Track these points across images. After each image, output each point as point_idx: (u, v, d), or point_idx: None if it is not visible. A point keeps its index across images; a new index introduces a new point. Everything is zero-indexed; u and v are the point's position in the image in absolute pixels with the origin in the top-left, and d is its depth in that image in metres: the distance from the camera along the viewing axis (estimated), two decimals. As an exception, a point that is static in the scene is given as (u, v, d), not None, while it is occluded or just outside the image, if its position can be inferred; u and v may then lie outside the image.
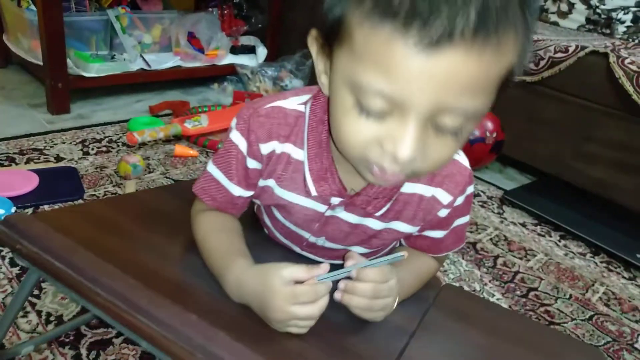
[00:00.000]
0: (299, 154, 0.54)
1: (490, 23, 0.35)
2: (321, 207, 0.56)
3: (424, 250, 0.63)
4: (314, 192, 0.54)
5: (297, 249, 0.65)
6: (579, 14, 1.97)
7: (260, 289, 0.47)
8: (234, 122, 0.55)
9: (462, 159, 0.57)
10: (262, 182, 0.58)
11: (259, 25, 2.34)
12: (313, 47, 0.47)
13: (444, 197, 0.56)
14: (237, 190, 0.57)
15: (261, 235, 0.69)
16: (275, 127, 0.53)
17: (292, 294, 0.45)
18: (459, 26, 0.34)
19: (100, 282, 0.50)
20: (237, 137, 0.54)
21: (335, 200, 0.55)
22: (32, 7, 1.69)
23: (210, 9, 2.26)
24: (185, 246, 0.60)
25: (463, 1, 0.34)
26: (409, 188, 0.54)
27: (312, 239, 0.61)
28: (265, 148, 0.54)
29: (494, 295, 1.11)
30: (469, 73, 0.37)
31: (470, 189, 0.58)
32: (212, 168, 0.58)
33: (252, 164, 0.55)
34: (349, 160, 0.47)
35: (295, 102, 0.54)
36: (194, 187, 0.59)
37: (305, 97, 0.54)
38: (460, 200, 0.57)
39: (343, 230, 0.58)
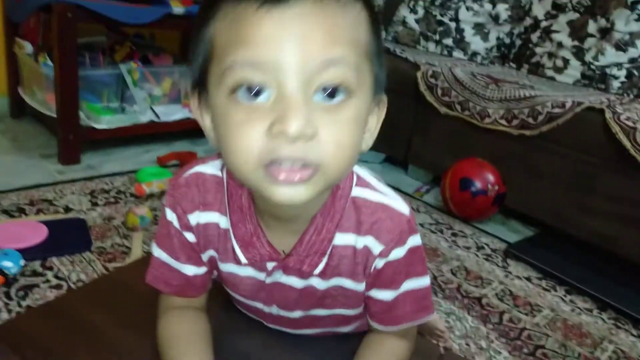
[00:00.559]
0: (224, 221, 0.52)
1: None
2: (260, 275, 0.54)
3: (379, 321, 0.55)
4: (243, 260, 0.52)
5: (265, 323, 0.63)
6: (574, 70, 2.04)
7: None
8: (163, 199, 0.54)
9: (398, 204, 0.51)
10: (204, 256, 0.55)
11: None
12: (195, 106, 0.47)
13: (375, 246, 0.50)
14: (189, 269, 0.54)
15: (235, 316, 0.64)
16: (197, 196, 0.51)
17: None
18: None
19: None
20: (168, 214, 0.53)
21: (270, 265, 0.52)
22: (49, 62, 1.76)
23: (218, 63, 2.35)
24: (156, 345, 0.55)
25: None
26: (339, 240, 0.50)
27: (266, 309, 0.58)
28: (192, 219, 0.52)
29: (500, 353, 1.10)
30: (326, 20, 0.39)
31: (413, 241, 0.52)
32: (157, 252, 0.55)
33: (190, 237, 0.53)
34: (255, 189, 0.43)
35: (215, 167, 0.52)
36: (147, 277, 0.55)
37: (221, 161, 0.52)
38: (399, 252, 0.51)
39: (290, 296, 0.55)
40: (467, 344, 1.11)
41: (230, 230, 0.52)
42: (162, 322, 0.55)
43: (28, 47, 1.87)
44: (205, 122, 0.46)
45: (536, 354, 1.12)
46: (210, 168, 0.52)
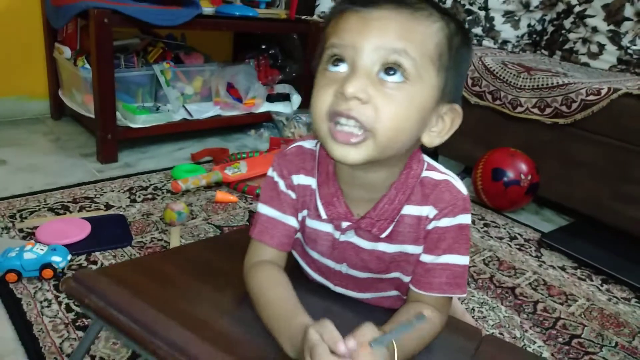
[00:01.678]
0: (313, 182, 0.63)
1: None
2: (335, 233, 0.63)
3: (415, 283, 0.62)
4: (324, 215, 0.62)
5: (331, 285, 0.70)
6: (610, 55, 1.99)
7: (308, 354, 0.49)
8: (269, 169, 0.66)
9: (458, 184, 0.61)
10: (300, 215, 0.65)
11: (293, 74, 2.45)
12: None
13: (432, 211, 0.60)
14: (292, 221, 0.65)
15: (301, 282, 0.70)
16: (298, 162, 0.64)
17: None
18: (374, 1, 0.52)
19: (159, 335, 0.54)
20: (275, 177, 0.65)
21: (345, 224, 0.61)
22: (87, 65, 1.84)
23: (247, 60, 2.39)
24: (234, 298, 0.65)
25: None
26: (407, 210, 0.60)
27: (337, 267, 0.66)
28: (295, 179, 0.64)
29: (535, 343, 1.10)
30: (397, 24, 0.51)
31: (463, 218, 0.60)
32: (264, 209, 0.65)
33: (291, 194, 0.64)
34: (321, 139, 0.55)
35: (312, 143, 0.65)
36: (252, 233, 0.66)
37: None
38: (447, 221, 0.59)
39: (360, 257, 0.63)
40: (501, 334, 1.11)
41: (316, 190, 0.63)
42: (252, 273, 0.64)
43: (67, 52, 1.95)
44: None
45: (572, 343, 1.11)
46: (308, 143, 0.66)
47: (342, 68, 0.52)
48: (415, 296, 0.62)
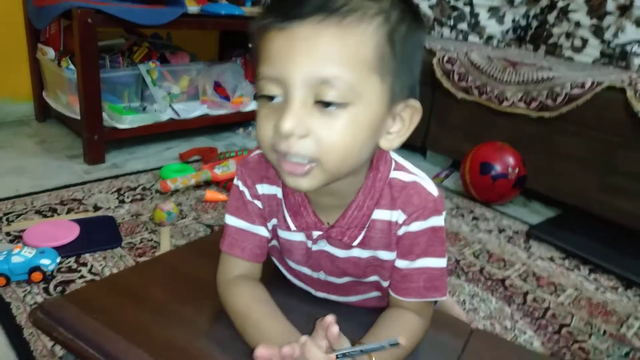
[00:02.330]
0: (279, 191, 0.61)
1: (331, 4, 0.46)
2: (308, 242, 0.61)
3: (393, 289, 0.60)
4: (292, 227, 0.60)
5: (313, 291, 0.68)
6: (593, 49, 2.01)
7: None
8: (235, 178, 0.63)
9: (428, 184, 0.57)
10: (269, 224, 0.63)
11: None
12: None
13: (401, 216, 0.57)
14: (262, 231, 0.62)
15: (282, 286, 0.69)
16: (261, 171, 0.61)
17: None
18: (304, 5, 0.46)
19: None
20: (240, 186, 0.62)
21: (316, 233, 0.59)
22: (71, 66, 1.81)
23: (234, 59, 2.38)
24: (212, 316, 0.62)
25: None
26: (377, 215, 0.57)
27: (314, 275, 0.65)
28: (259, 189, 0.61)
29: (525, 333, 1.11)
30: (324, 43, 0.46)
31: (435, 220, 0.57)
32: (232, 221, 0.62)
33: (258, 203, 0.62)
34: (273, 166, 0.53)
35: None
36: (222, 246, 0.63)
37: None
38: (419, 225, 0.56)
39: (335, 264, 0.62)
40: (492, 324, 1.13)
41: (283, 201, 0.60)
42: (235, 288, 0.61)
43: (50, 53, 1.92)
44: None
45: (561, 332, 1.13)
46: None
47: (277, 98, 0.48)
48: (394, 301, 0.60)
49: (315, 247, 0.61)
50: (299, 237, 0.61)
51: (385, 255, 0.59)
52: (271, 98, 0.49)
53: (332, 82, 0.46)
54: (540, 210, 1.81)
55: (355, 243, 0.59)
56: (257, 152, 0.62)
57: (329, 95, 0.46)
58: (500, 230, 1.60)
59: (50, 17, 1.77)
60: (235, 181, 0.63)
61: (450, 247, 1.45)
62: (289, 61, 0.46)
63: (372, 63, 0.47)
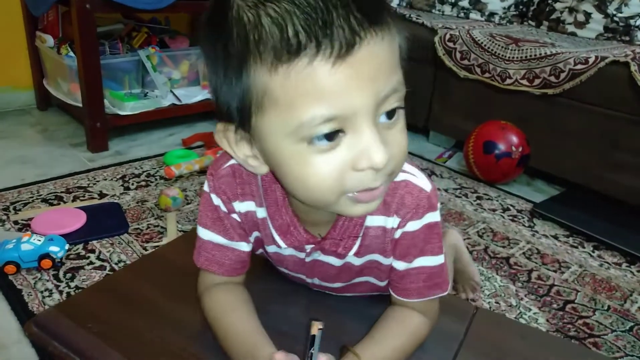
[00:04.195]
0: (262, 212, 0.56)
1: (371, 18, 0.39)
2: (300, 254, 0.58)
3: (394, 289, 0.59)
4: (283, 245, 0.56)
5: (310, 286, 0.67)
6: (597, 23, 1.99)
7: None
8: (205, 186, 0.57)
9: (419, 181, 0.54)
10: (251, 237, 0.59)
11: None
12: (226, 140, 0.47)
13: (396, 220, 0.54)
14: (243, 246, 0.58)
15: (280, 283, 0.68)
16: (236, 187, 0.55)
17: None
18: (354, 31, 0.38)
19: None
20: (215, 199, 0.56)
21: (308, 247, 0.56)
22: (71, 53, 1.81)
23: (233, 42, 2.36)
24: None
25: (343, 12, 0.38)
26: (370, 222, 0.54)
27: (308, 280, 0.63)
28: (236, 206, 0.56)
29: (530, 310, 1.13)
30: (380, 58, 0.40)
31: (430, 217, 0.54)
32: (208, 235, 0.58)
33: (236, 217, 0.57)
34: (327, 209, 0.46)
35: None
36: (197, 261, 0.59)
37: None
38: (414, 225, 0.54)
39: (330, 272, 0.60)
40: (497, 302, 1.14)
41: (269, 220, 0.55)
42: (208, 298, 0.58)
43: (49, 40, 1.91)
44: (240, 153, 0.47)
45: (566, 308, 1.14)
46: None
47: (339, 138, 0.41)
48: (397, 301, 0.59)
49: (309, 259, 0.59)
50: (290, 251, 0.58)
51: (381, 259, 0.58)
52: (332, 138, 0.41)
53: (398, 89, 0.42)
54: (544, 188, 1.81)
55: (351, 253, 0.56)
56: (227, 164, 0.55)
57: (395, 103, 0.42)
58: (504, 209, 1.60)
59: (47, 3, 1.76)
60: (207, 191, 0.56)
61: (454, 226, 1.46)
62: (354, 91, 0.39)
63: (399, 56, 0.44)
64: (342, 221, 0.54)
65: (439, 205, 0.56)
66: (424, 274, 0.56)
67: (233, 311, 0.56)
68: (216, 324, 0.56)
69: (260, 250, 0.63)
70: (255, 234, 0.59)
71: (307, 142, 0.41)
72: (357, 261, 0.58)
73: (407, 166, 0.54)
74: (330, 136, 0.41)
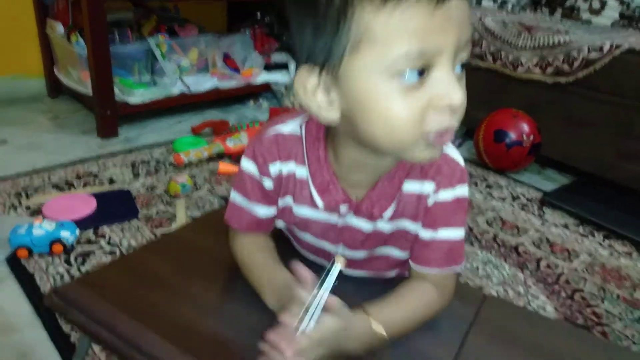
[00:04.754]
0: (302, 171, 0.59)
1: None
2: (333, 218, 0.61)
3: (414, 258, 0.61)
4: (320, 204, 0.59)
5: (327, 263, 0.68)
6: (612, 10, 1.95)
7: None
8: (244, 152, 0.62)
9: (455, 154, 0.58)
10: (281, 202, 0.63)
11: (290, 42, 2.41)
12: (307, 85, 0.49)
13: (432, 187, 0.57)
14: (260, 210, 0.63)
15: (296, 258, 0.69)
16: (277, 150, 0.59)
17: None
18: None
19: (143, 350, 0.54)
20: (247, 163, 0.61)
21: (344, 208, 0.59)
22: (81, 41, 1.81)
23: (242, 30, 2.35)
24: (222, 292, 0.63)
25: None
26: (407, 187, 0.57)
27: (332, 248, 0.65)
28: (272, 168, 0.60)
29: (538, 298, 1.12)
30: (464, 11, 0.46)
31: (460, 190, 0.58)
32: (234, 195, 0.64)
33: (266, 182, 0.61)
34: (400, 153, 0.50)
35: (292, 126, 0.60)
36: (225, 215, 0.65)
37: (300, 119, 0.60)
38: (446, 194, 0.57)
39: (358, 237, 0.62)
40: (505, 290, 1.14)
41: (309, 179, 0.59)
42: (236, 242, 0.65)
43: (59, 28, 1.92)
44: (313, 102, 0.50)
45: (574, 297, 1.14)
46: (289, 127, 0.60)
47: (423, 76, 0.45)
48: (415, 273, 0.61)
49: (341, 222, 0.61)
50: (323, 214, 0.61)
51: (410, 225, 0.60)
52: (420, 74, 0.45)
53: (470, 41, 0.48)
54: (555, 177, 1.79)
55: (386, 215, 0.58)
56: (271, 132, 0.60)
57: (466, 57, 0.48)
58: (514, 198, 1.59)
59: (57, -9, 1.76)
60: (243, 157, 0.62)
61: (463, 215, 1.45)
62: (447, 31, 0.44)
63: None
64: (382, 182, 0.57)
65: (468, 181, 0.59)
66: (446, 245, 0.59)
67: (261, 250, 0.63)
68: (245, 259, 0.63)
69: (280, 225, 0.66)
70: (288, 199, 0.62)
71: (398, 77, 0.45)
72: (387, 227, 0.60)
73: None
74: (419, 73, 0.45)
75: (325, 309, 0.48)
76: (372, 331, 0.53)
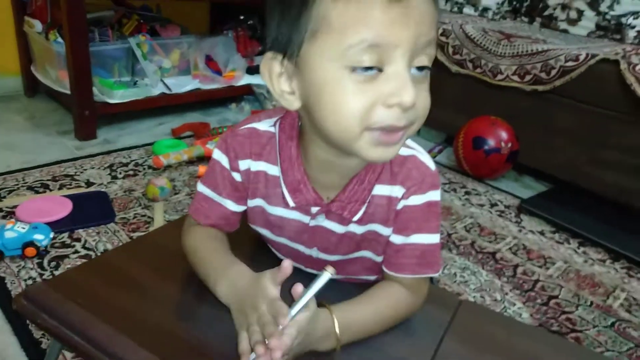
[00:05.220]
0: (274, 170, 0.59)
1: None
2: (305, 218, 0.60)
3: (387, 264, 0.61)
4: (291, 203, 0.59)
5: (303, 267, 0.68)
6: (589, 21, 1.99)
7: (250, 290, 0.53)
8: (217, 144, 0.62)
9: (425, 158, 0.58)
10: (251, 203, 0.62)
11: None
12: (272, 71, 0.51)
13: (401, 191, 0.57)
14: (229, 204, 0.62)
15: (271, 259, 0.69)
16: (249, 146, 0.59)
17: (270, 299, 0.50)
18: None
19: (116, 355, 0.52)
20: (219, 155, 0.61)
21: (315, 209, 0.59)
22: (59, 39, 1.78)
23: (225, 32, 2.34)
24: (198, 295, 0.61)
25: None
26: (377, 190, 0.57)
27: (307, 251, 0.64)
28: (242, 164, 0.60)
29: (514, 305, 1.14)
30: (426, 10, 0.46)
31: (432, 195, 0.57)
32: (201, 188, 0.63)
33: (236, 176, 0.61)
34: (348, 147, 0.49)
35: (267, 124, 0.60)
36: (189, 209, 0.65)
37: (275, 118, 0.60)
38: (416, 199, 0.57)
39: (331, 240, 0.61)
40: (482, 297, 1.15)
41: (281, 177, 0.59)
42: (188, 233, 0.64)
43: (38, 25, 1.88)
44: (277, 88, 0.51)
45: (549, 304, 1.15)
46: (264, 125, 0.60)
47: (377, 71, 0.46)
48: (388, 277, 0.61)
49: (312, 223, 0.60)
50: (295, 214, 0.61)
51: (381, 229, 0.59)
52: (367, 69, 0.45)
53: (432, 43, 0.48)
54: (532, 184, 1.82)
55: (356, 218, 0.58)
56: (248, 126, 0.60)
57: (427, 61, 0.48)
58: (492, 205, 1.61)
59: (35, -12, 1.73)
60: (215, 150, 0.62)
61: (442, 221, 1.47)
62: (402, 26, 0.44)
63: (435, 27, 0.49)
64: (353, 184, 0.57)
65: (440, 187, 0.59)
66: (419, 250, 0.58)
67: (212, 240, 0.62)
68: (196, 249, 0.62)
69: (256, 228, 0.66)
70: (257, 200, 0.62)
71: (349, 69, 0.45)
72: (359, 230, 0.60)
73: (414, 144, 0.59)
74: (370, 69, 0.45)
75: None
76: (333, 328, 0.54)
